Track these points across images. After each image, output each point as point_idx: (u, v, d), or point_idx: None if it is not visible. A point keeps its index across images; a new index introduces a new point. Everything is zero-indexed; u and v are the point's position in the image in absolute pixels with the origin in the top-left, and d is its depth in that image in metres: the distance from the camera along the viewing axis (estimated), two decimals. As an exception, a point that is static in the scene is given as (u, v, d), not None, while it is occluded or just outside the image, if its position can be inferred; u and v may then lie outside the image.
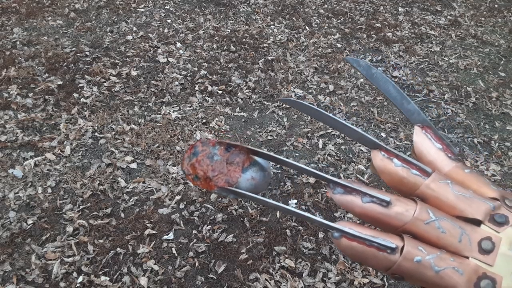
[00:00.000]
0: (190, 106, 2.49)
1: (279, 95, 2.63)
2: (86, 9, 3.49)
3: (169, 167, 2.06)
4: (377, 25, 3.58)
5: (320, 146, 2.27)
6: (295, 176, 2.07)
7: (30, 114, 2.32)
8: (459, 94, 2.80)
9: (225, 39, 3.19)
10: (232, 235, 1.77)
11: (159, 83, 2.66)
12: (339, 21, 3.62)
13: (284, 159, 0.29)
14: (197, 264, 1.66)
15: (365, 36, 3.40)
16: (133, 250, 1.69)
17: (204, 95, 2.59)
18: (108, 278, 1.59)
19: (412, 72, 3.00)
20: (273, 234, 1.78)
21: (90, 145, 2.17)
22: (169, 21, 3.40)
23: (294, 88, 2.71)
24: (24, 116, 2.30)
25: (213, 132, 2.32)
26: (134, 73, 2.73)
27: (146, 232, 1.76)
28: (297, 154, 2.21)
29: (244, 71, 2.83)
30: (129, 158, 2.10)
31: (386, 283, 1.64)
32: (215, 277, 1.62)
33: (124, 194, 1.92)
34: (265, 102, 2.58)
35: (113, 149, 2.15)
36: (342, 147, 2.28)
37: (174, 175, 2.02)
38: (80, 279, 1.58)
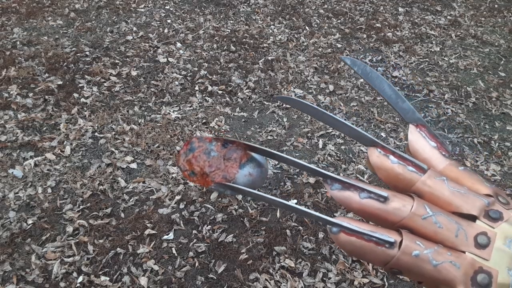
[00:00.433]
0: (190, 106, 2.49)
1: (279, 95, 2.63)
2: (86, 9, 3.49)
3: (169, 167, 2.06)
4: (377, 25, 3.58)
5: (320, 146, 2.27)
6: (295, 176, 2.07)
7: (30, 114, 2.32)
8: (459, 94, 2.80)
9: (225, 39, 3.19)
10: (232, 235, 1.77)
11: (159, 83, 2.66)
12: (339, 21, 3.62)
13: (282, 154, 0.30)
14: (197, 264, 1.66)
15: (365, 36, 3.40)
16: (133, 250, 1.69)
17: (204, 95, 2.59)
18: (108, 278, 1.59)
19: (412, 72, 3.00)
20: (273, 234, 1.78)
21: (90, 145, 2.17)
22: (169, 21, 3.40)
23: (294, 88, 2.71)
24: (24, 116, 2.30)
25: (213, 132, 2.32)
26: (134, 73, 2.73)
27: (146, 232, 1.76)
28: (297, 154, 2.21)
29: (244, 71, 2.83)
30: (129, 158, 2.10)
31: (386, 283, 1.64)
32: (215, 277, 1.62)
33: (124, 194, 1.92)
34: (265, 102, 2.58)
35: (113, 149, 2.15)
36: (342, 147, 2.28)
37: (174, 175, 2.02)
38: (80, 279, 1.58)
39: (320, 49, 3.17)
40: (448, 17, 3.83)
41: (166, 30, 3.24)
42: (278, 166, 2.11)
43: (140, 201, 1.90)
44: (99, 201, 1.89)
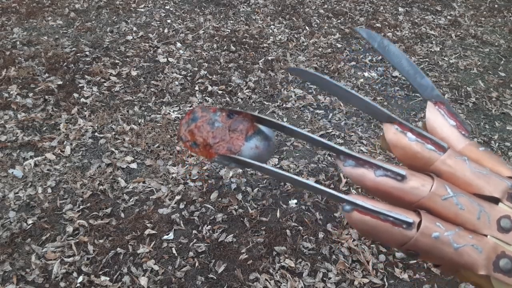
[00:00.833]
0: (190, 106, 2.48)
1: (279, 95, 2.64)
2: (86, 9, 3.49)
3: (169, 167, 2.06)
4: (377, 25, 3.58)
5: (320, 146, 2.27)
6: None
7: (30, 114, 2.32)
8: (459, 94, 2.80)
9: (225, 39, 3.19)
10: (232, 235, 1.77)
11: (159, 83, 2.66)
12: (339, 21, 3.62)
13: (291, 126, 0.28)
14: (197, 264, 1.66)
15: (365, 36, 3.40)
16: (133, 250, 1.69)
17: (204, 95, 2.59)
18: (108, 278, 1.59)
19: (412, 72, 2.99)
20: (273, 234, 1.78)
21: (90, 145, 2.17)
22: (169, 21, 3.40)
23: (294, 88, 2.71)
24: (24, 116, 2.30)
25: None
26: (134, 73, 2.73)
27: (146, 232, 1.76)
28: (297, 154, 2.21)
29: (244, 71, 2.83)
30: (129, 158, 2.10)
31: (386, 283, 1.64)
32: (215, 277, 1.62)
33: (124, 194, 1.92)
34: (265, 102, 2.58)
35: (113, 149, 2.15)
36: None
37: (174, 175, 2.02)
38: (80, 279, 1.58)
39: (320, 49, 3.17)
40: (448, 17, 3.83)
41: (166, 30, 3.24)
42: (278, 166, 2.11)
43: (140, 201, 1.90)
44: (99, 201, 1.89)
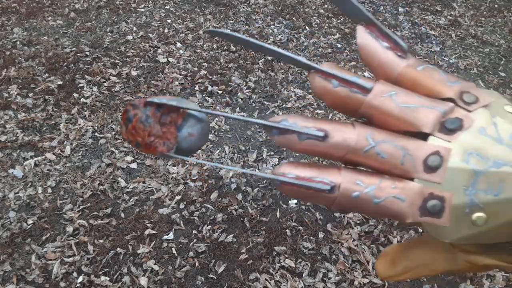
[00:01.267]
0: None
1: (279, 95, 2.64)
2: (86, 9, 3.49)
3: (169, 167, 2.06)
4: (377, 25, 3.58)
5: (320, 146, 2.27)
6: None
7: (30, 114, 2.32)
8: (459, 94, 2.80)
9: (225, 39, 3.19)
10: (232, 235, 1.77)
11: (159, 83, 2.66)
12: (339, 21, 3.62)
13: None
14: (197, 264, 1.66)
15: (365, 36, 3.40)
16: (133, 250, 1.69)
17: (204, 95, 2.59)
18: (108, 278, 1.59)
19: (412, 72, 3.00)
20: (273, 234, 1.78)
21: (90, 145, 2.17)
22: (169, 21, 3.40)
23: (294, 88, 2.71)
24: (24, 116, 2.30)
25: (213, 132, 2.32)
26: (134, 73, 2.73)
27: (146, 232, 1.76)
28: (297, 154, 2.21)
29: (244, 71, 2.83)
30: (129, 158, 2.10)
31: (386, 283, 1.64)
32: (215, 277, 1.62)
33: (124, 194, 1.92)
34: (265, 102, 2.58)
35: (113, 149, 2.15)
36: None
37: (174, 175, 2.02)
38: (80, 279, 1.58)
39: (320, 49, 3.17)
40: (448, 17, 3.83)
41: (166, 30, 3.24)
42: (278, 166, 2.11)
43: (140, 201, 1.90)
44: (99, 201, 1.89)
